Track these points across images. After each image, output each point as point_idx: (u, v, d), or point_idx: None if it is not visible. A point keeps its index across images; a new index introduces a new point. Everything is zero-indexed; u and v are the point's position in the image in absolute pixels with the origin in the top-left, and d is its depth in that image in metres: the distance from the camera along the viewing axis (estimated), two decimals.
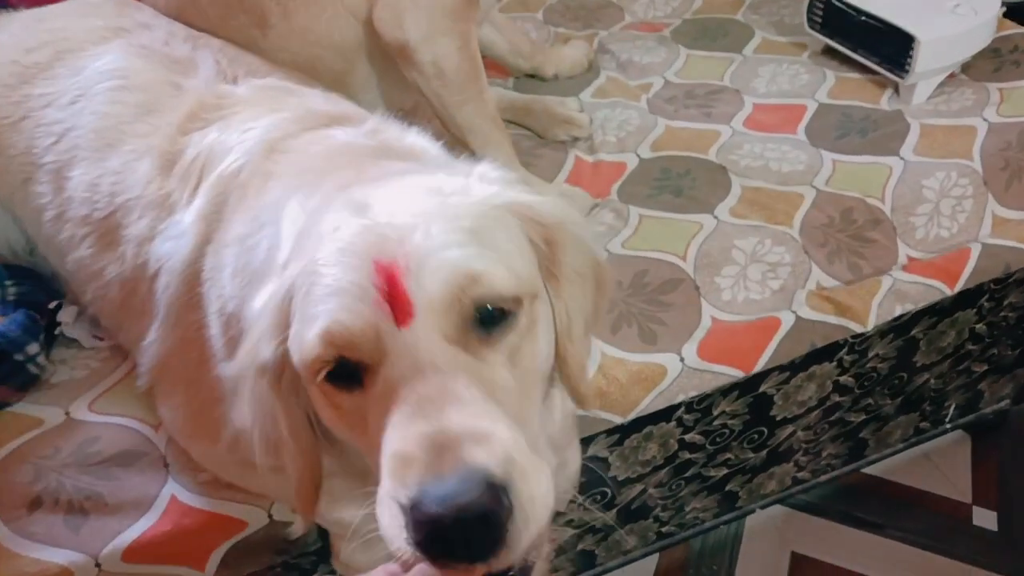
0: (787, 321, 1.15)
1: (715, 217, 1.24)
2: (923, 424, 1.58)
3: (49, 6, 1.18)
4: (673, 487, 1.33)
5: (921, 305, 1.23)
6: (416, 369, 0.57)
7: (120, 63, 1.00)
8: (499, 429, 0.55)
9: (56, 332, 1.07)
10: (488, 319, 0.61)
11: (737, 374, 1.13)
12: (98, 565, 0.90)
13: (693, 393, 1.12)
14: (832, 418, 1.40)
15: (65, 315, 1.06)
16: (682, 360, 1.10)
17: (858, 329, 1.18)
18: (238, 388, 0.68)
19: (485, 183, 0.70)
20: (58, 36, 1.05)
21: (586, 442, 1.12)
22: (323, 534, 0.99)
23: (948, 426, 1.63)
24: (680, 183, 1.30)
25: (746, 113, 1.45)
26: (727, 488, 1.42)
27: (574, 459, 0.96)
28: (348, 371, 0.61)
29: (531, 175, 1.28)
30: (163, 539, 0.91)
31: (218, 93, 0.96)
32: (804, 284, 1.18)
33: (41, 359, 1.00)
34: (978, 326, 1.41)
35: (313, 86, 1.04)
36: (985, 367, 1.52)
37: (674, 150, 1.37)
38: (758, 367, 1.14)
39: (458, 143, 1.25)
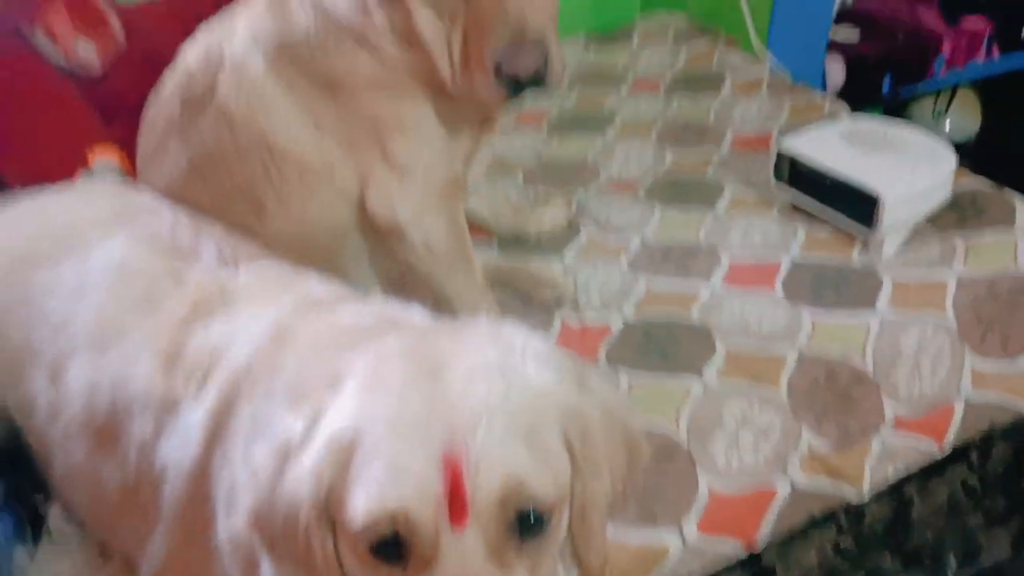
0: (783, 491, 1.15)
1: (702, 381, 1.25)
2: None
3: (50, 194, 1.20)
4: None
5: (913, 468, 1.24)
6: None
7: (123, 253, 1.01)
8: None
9: (44, 528, 1.03)
10: (525, 526, 0.62)
11: (739, 547, 1.12)
12: None
13: (696, 571, 1.10)
14: None
15: (53, 514, 1.03)
16: (683, 537, 1.09)
17: (853, 496, 1.19)
18: (273, 516, 0.65)
19: (539, 364, 0.69)
20: (63, 224, 1.07)
21: None
22: None
23: None
24: (665, 345, 1.33)
25: (723, 271, 1.49)
26: None
27: None
28: (392, 545, 0.61)
29: None
30: None
31: (220, 282, 0.97)
32: (796, 447, 1.19)
33: (29, 557, 0.96)
34: (970, 480, 1.42)
35: (309, 270, 1.05)
36: (981, 519, 1.52)
37: (657, 311, 1.40)
38: (759, 539, 1.13)
39: (444, 311, 1.27)
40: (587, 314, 1.41)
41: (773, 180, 1.62)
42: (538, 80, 1.06)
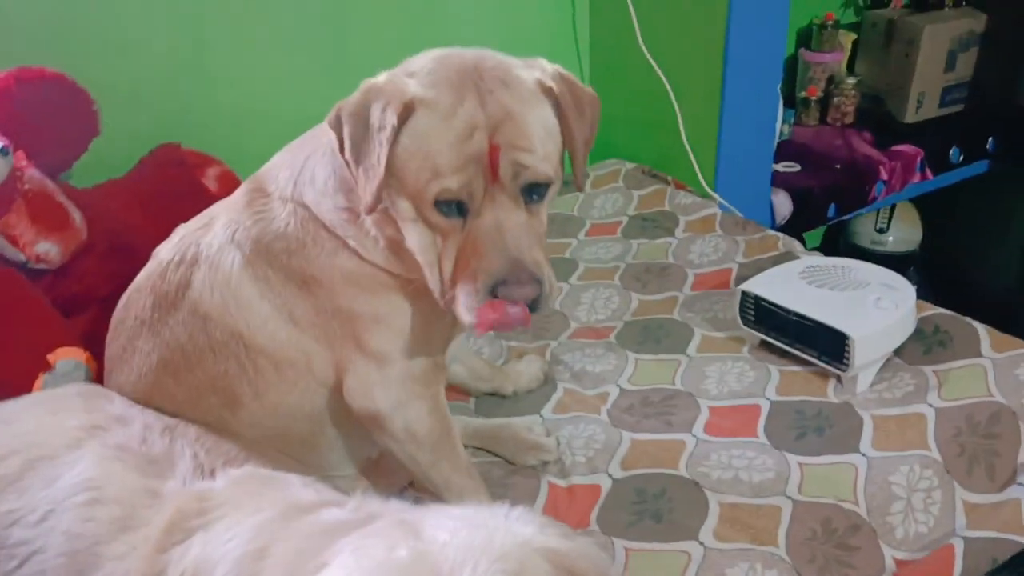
0: None
1: (701, 543, 1.22)
2: None
3: (12, 404, 1.15)
4: None
5: None
6: None
7: (93, 471, 0.96)
8: None
9: None
10: None
11: None
12: None
13: None
14: None
15: None
16: None
17: None
18: None
19: (523, 523, 0.72)
20: (29, 442, 1.01)
21: None
22: None
23: None
24: (658, 505, 1.30)
25: (704, 418, 1.49)
26: None
27: None
28: None
29: None
30: None
31: (198, 495, 0.92)
32: None
33: None
34: None
35: (290, 470, 1.01)
36: None
37: (644, 467, 1.38)
38: None
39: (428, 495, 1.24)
40: (574, 475, 1.38)
41: (739, 321, 1.65)
42: (533, 307, 1.07)
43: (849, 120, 2.80)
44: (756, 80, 2.16)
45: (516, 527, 0.71)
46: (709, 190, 2.25)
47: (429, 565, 0.64)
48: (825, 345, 1.52)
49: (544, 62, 1.14)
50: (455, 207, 1.05)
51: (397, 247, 1.12)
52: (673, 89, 2.24)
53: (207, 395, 1.14)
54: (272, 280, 1.13)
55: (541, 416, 1.52)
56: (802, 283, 1.64)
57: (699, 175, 2.25)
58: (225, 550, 0.83)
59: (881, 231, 2.99)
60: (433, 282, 1.08)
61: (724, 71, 2.12)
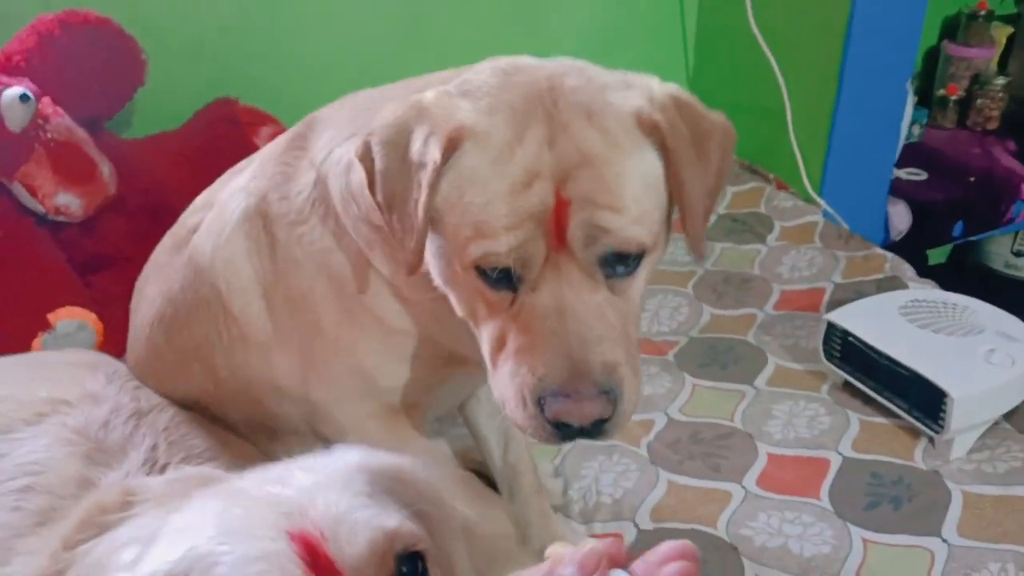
0: None
1: None
2: None
3: (5, 360, 1.09)
4: None
5: None
6: None
7: (39, 455, 0.88)
8: None
9: None
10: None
11: None
12: None
13: None
14: None
15: None
16: None
17: None
18: None
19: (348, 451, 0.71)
20: None
21: None
22: None
23: None
24: None
25: (760, 467, 1.29)
26: None
27: None
28: None
29: None
30: None
31: (126, 490, 0.82)
32: None
33: None
34: None
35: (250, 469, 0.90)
36: None
37: (678, 520, 1.20)
38: None
39: None
40: (595, 521, 1.21)
41: (823, 357, 1.42)
42: (596, 430, 0.80)
43: (992, 126, 2.46)
44: (882, 69, 1.89)
45: (346, 455, 0.70)
46: (813, 193, 2.00)
47: (272, 510, 0.62)
48: (918, 399, 1.29)
49: (653, 82, 0.86)
50: (505, 276, 0.80)
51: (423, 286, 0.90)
52: (783, 72, 1.99)
53: (191, 362, 1.03)
54: (262, 243, 0.98)
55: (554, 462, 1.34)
56: (902, 320, 1.40)
57: (803, 175, 2.00)
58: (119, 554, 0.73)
59: (1019, 255, 2.62)
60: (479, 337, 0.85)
61: (844, 56, 1.86)
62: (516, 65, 0.85)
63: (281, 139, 1.05)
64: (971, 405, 1.23)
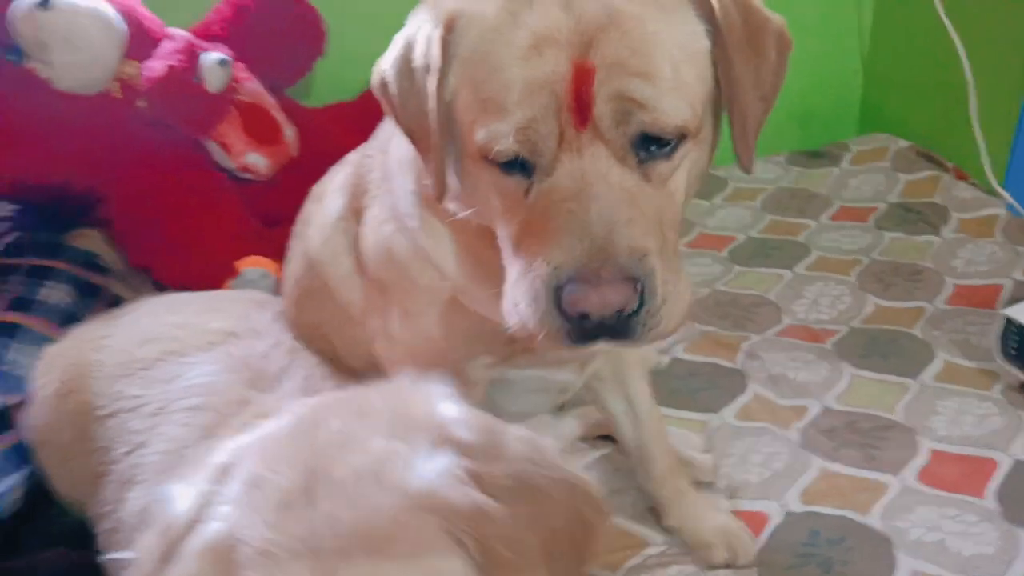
0: None
1: None
2: None
3: (182, 296, 1.20)
4: None
5: None
6: None
7: (208, 379, 0.97)
8: None
9: None
10: None
11: None
12: None
13: None
14: None
15: None
16: None
17: None
18: None
19: (428, 457, 0.61)
20: (171, 334, 1.05)
21: None
22: None
23: None
24: (831, 554, 1.08)
25: (921, 463, 1.22)
26: None
27: None
28: None
29: None
30: None
31: (274, 404, 0.89)
32: None
33: None
34: None
35: None
36: None
37: (829, 505, 1.16)
38: None
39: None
40: (740, 498, 1.19)
41: (998, 354, 1.33)
42: (622, 327, 0.69)
43: None
44: None
45: (413, 483, 0.59)
46: (996, 185, 1.86)
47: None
48: None
49: None
50: (517, 164, 0.71)
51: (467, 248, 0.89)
52: (968, 53, 1.86)
53: (317, 338, 1.09)
54: (354, 236, 1.01)
55: (720, 415, 1.34)
56: None
57: (986, 164, 1.87)
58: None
59: None
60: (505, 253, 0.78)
61: None
62: None
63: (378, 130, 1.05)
64: None
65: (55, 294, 1.32)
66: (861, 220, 1.89)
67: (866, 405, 1.35)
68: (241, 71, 1.47)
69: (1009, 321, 1.32)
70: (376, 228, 0.97)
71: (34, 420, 1.08)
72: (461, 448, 0.61)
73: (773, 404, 1.36)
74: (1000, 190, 1.85)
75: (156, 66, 1.36)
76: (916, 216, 1.85)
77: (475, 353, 0.96)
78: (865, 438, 1.28)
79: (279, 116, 1.52)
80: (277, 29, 1.56)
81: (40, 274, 1.34)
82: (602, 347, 0.74)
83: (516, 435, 0.66)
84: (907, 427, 1.29)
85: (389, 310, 0.99)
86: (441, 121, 0.75)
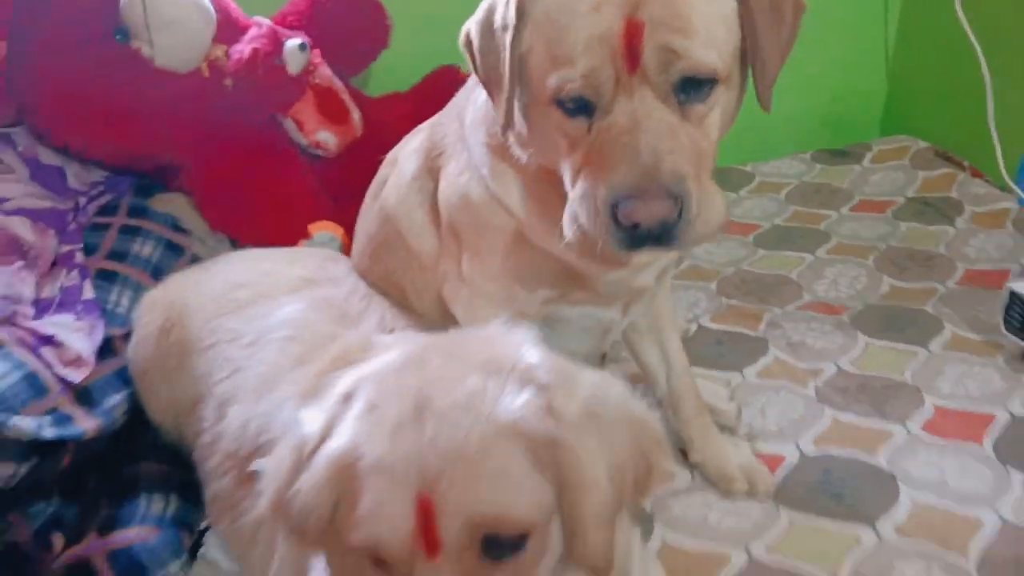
0: None
1: (876, 532, 1.12)
2: None
3: (267, 251, 1.36)
4: None
5: None
6: None
7: (298, 315, 1.12)
8: None
9: (199, 553, 1.13)
10: (500, 548, 0.66)
11: None
12: None
13: None
14: None
15: (211, 539, 1.13)
16: None
17: None
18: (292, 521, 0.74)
19: (515, 391, 0.71)
20: (260, 279, 1.20)
21: None
22: None
23: None
24: (841, 489, 1.21)
25: (925, 416, 1.34)
26: None
27: None
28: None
29: None
30: None
31: (366, 341, 1.03)
32: None
33: None
34: None
35: None
36: None
37: (840, 447, 1.29)
38: None
39: None
40: (760, 441, 1.32)
41: (1002, 326, 1.45)
42: (665, 235, 0.86)
43: None
44: None
45: (503, 412, 0.69)
46: (1010, 181, 1.97)
47: (418, 467, 0.66)
48: None
49: None
50: (582, 104, 0.87)
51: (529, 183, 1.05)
52: (987, 60, 1.98)
53: (389, 285, 1.24)
54: (428, 192, 1.18)
55: (742, 374, 1.47)
56: None
57: (1000, 162, 1.99)
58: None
59: None
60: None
61: None
62: None
63: (450, 103, 1.22)
64: None
65: (145, 249, 1.48)
66: (880, 212, 2.01)
67: (877, 369, 1.47)
68: (316, 57, 1.63)
69: (1013, 294, 1.43)
70: (454, 179, 1.12)
71: (138, 353, 1.23)
72: (540, 387, 0.72)
73: (792, 366, 1.49)
74: (1013, 185, 1.97)
75: (244, 49, 1.53)
76: (932, 209, 1.97)
77: (536, 287, 1.10)
78: (875, 395, 1.40)
79: (347, 99, 1.68)
80: (347, 22, 1.73)
81: (131, 232, 1.51)
82: (648, 255, 0.93)
83: (588, 376, 0.77)
84: (914, 387, 1.41)
85: (461, 253, 1.14)
86: (512, 70, 0.91)
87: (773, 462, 1.28)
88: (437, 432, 0.68)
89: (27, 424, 0.95)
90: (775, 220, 2.03)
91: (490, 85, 0.97)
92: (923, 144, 2.22)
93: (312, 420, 0.74)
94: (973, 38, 2.00)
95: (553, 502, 0.69)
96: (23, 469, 0.95)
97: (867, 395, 1.40)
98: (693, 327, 1.63)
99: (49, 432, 0.97)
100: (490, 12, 0.95)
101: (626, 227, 0.85)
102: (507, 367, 0.73)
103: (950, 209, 1.96)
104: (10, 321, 1.08)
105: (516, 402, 0.70)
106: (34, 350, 1.05)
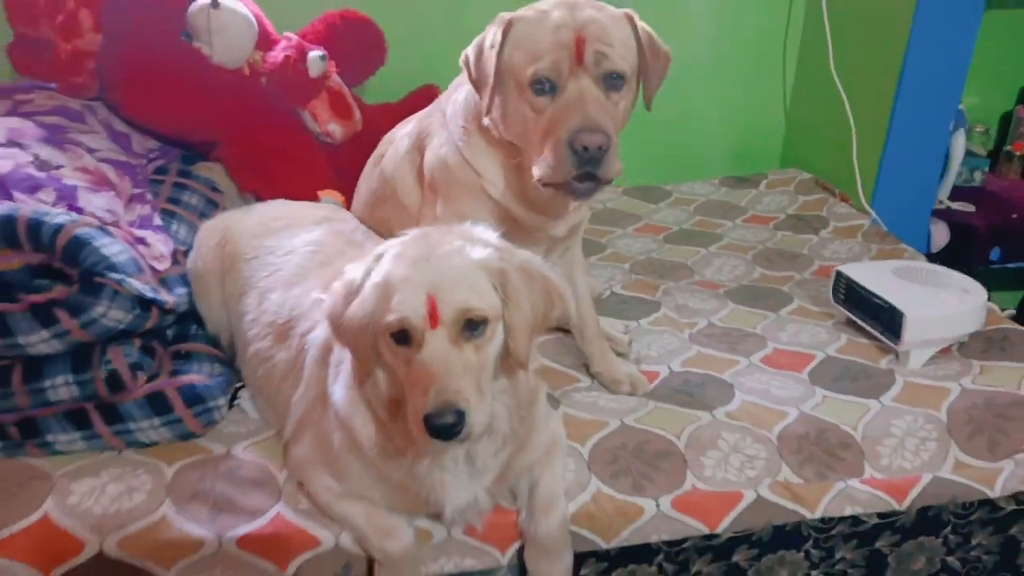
0: (749, 497, 1.47)
1: (712, 415, 1.61)
2: None
3: (291, 202, 1.82)
4: None
5: (870, 511, 1.51)
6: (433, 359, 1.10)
7: (319, 237, 1.59)
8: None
9: (235, 402, 1.58)
10: (471, 329, 1.14)
11: (702, 528, 1.45)
12: (220, 544, 1.32)
13: (665, 536, 1.44)
14: None
15: (244, 393, 1.58)
16: (658, 506, 1.44)
17: (807, 515, 1.48)
18: (345, 328, 1.19)
19: (481, 247, 1.19)
20: (292, 215, 1.69)
21: (578, 562, 1.44)
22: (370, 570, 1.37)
23: None
24: (695, 389, 1.69)
25: (765, 352, 1.84)
26: None
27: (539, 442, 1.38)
28: (402, 335, 1.14)
29: None
30: (266, 539, 1.33)
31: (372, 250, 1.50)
32: (774, 477, 1.51)
33: (223, 412, 1.50)
34: (950, 559, 1.63)
35: None
36: None
37: (698, 368, 1.78)
38: (720, 527, 1.45)
39: None
40: (643, 363, 1.80)
41: (831, 296, 1.96)
42: (598, 160, 1.36)
43: None
44: (927, 113, 2.41)
45: (476, 254, 1.17)
46: (866, 205, 2.52)
47: (428, 281, 1.13)
48: (888, 322, 1.80)
49: (630, 10, 1.48)
50: (547, 85, 1.38)
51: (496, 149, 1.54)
52: (852, 110, 2.54)
53: (383, 229, 1.72)
54: (417, 164, 1.67)
55: (638, 323, 1.96)
56: (892, 276, 1.91)
57: (860, 191, 2.53)
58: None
59: None
60: (528, 151, 1.46)
61: (895, 98, 2.39)
62: None
63: (433, 103, 1.73)
64: (920, 324, 1.74)
65: (193, 199, 1.94)
66: (764, 224, 2.54)
67: (738, 324, 1.97)
68: (331, 66, 2.12)
69: (839, 274, 1.95)
70: (436, 150, 1.62)
71: (197, 262, 1.68)
72: (496, 248, 1.21)
73: (675, 319, 1.99)
74: (868, 208, 2.51)
75: (278, 55, 2.01)
76: (804, 223, 2.51)
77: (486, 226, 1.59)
78: (732, 340, 1.89)
79: (352, 101, 2.17)
80: (354, 43, 2.22)
81: (181, 187, 1.96)
82: (588, 189, 1.42)
83: (524, 251, 1.27)
84: (762, 336, 1.91)
85: (437, 202, 1.62)
86: (495, 73, 1.43)
87: (651, 376, 1.76)
88: (438, 264, 1.15)
89: (137, 285, 1.39)
90: (683, 225, 2.55)
91: (479, 84, 1.47)
92: (807, 175, 2.77)
93: (355, 270, 1.21)
94: (842, 92, 2.56)
95: (500, 310, 1.16)
96: (129, 317, 1.39)
97: (726, 340, 1.90)
98: (607, 292, 2.12)
99: (150, 293, 1.41)
100: (481, 40, 1.48)
101: (578, 151, 1.36)
102: (476, 238, 1.22)
103: (818, 223, 2.49)
104: (115, 225, 1.53)
105: (483, 252, 1.19)
106: (132, 245, 1.50)
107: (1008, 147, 2.95)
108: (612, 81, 1.42)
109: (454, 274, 1.14)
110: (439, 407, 1.07)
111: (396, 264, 1.16)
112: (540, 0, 1.47)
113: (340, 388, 1.26)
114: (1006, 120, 3.03)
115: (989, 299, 1.86)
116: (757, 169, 2.93)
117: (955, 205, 2.72)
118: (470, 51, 1.49)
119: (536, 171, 1.42)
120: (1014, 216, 2.67)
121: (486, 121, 1.52)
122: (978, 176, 2.88)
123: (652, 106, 1.53)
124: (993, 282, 2.71)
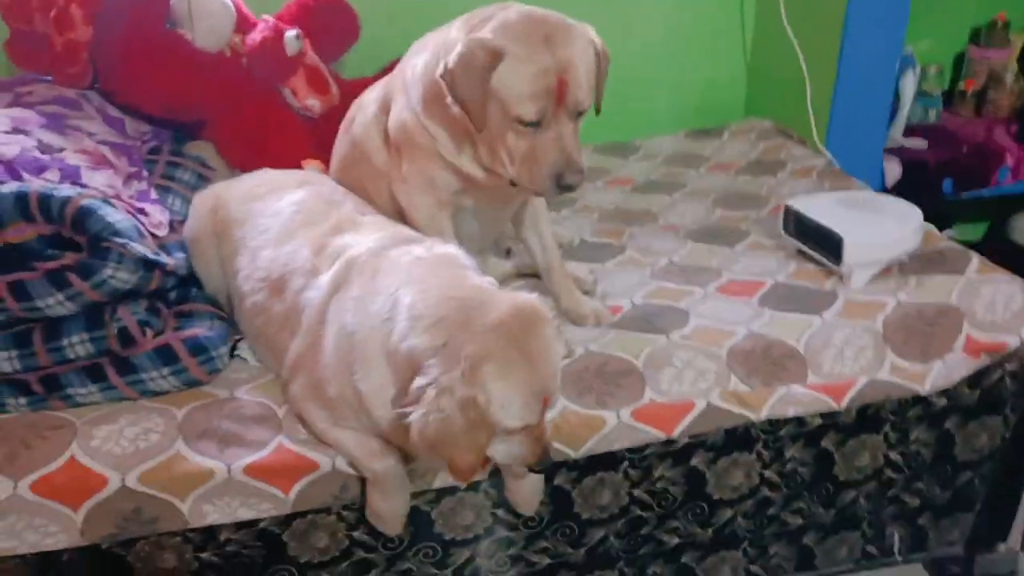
0: (700, 405, 1.64)
1: (667, 337, 1.77)
2: (870, 548, 1.91)
3: (277, 171, 1.98)
4: (631, 541, 1.75)
5: (812, 411, 1.68)
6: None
7: (302, 199, 1.74)
8: None
9: (235, 353, 1.75)
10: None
11: (660, 435, 1.62)
12: (229, 473, 1.50)
13: (627, 444, 1.61)
14: (768, 513, 1.79)
15: (243, 344, 1.75)
16: (619, 418, 1.61)
17: (753, 417, 1.65)
18: None
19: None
20: (276, 181, 1.84)
21: (551, 472, 1.62)
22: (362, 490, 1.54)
23: (899, 559, 1.94)
24: (652, 318, 1.85)
25: (720, 282, 2.00)
26: (682, 560, 1.81)
27: None
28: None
29: None
30: (270, 466, 1.50)
31: (353, 218, 1.66)
32: (723, 387, 1.67)
33: (224, 360, 1.67)
34: (892, 454, 1.80)
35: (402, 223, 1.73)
36: (917, 501, 1.87)
37: (659, 299, 1.94)
38: (676, 433, 1.62)
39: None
40: (608, 299, 1.96)
41: (781, 228, 2.11)
42: (575, 187, 1.60)
43: (1003, 115, 3.02)
44: (872, 56, 2.54)
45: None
46: (821, 146, 2.66)
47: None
48: (831, 247, 1.96)
49: (588, 27, 1.62)
50: (531, 123, 1.55)
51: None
52: (805, 61, 2.68)
53: (357, 188, 1.87)
54: (383, 126, 1.82)
55: (603, 265, 2.12)
56: (837, 206, 2.07)
57: (814, 134, 2.68)
58: (361, 242, 1.55)
59: None
60: (496, 147, 1.61)
61: (842, 45, 2.53)
62: (509, 10, 1.58)
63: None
64: (859, 247, 1.89)
65: (186, 176, 2.10)
66: (727, 171, 2.69)
67: (696, 260, 2.12)
68: (306, 45, 2.27)
69: (787, 208, 2.10)
70: (397, 113, 1.77)
71: (193, 228, 1.85)
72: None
73: (638, 259, 2.14)
74: (823, 149, 2.66)
75: (256, 37, 2.17)
76: (762, 167, 2.65)
77: (447, 183, 1.77)
78: (690, 274, 2.04)
79: (329, 77, 2.32)
80: (327, 22, 2.37)
81: (174, 165, 2.13)
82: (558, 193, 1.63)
83: None
84: (717, 269, 2.06)
85: (402, 161, 1.78)
86: (481, 96, 1.55)
87: (615, 309, 1.92)
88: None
89: (140, 248, 1.55)
90: (650, 176, 2.70)
91: (464, 102, 1.56)
92: (768, 123, 2.91)
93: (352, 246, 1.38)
94: (795, 41, 2.70)
95: None
96: (134, 278, 1.55)
97: (684, 274, 2.05)
98: (577, 240, 2.27)
99: (152, 255, 1.57)
100: (471, 55, 1.53)
101: (560, 185, 1.58)
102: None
103: (776, 166, 2.64)
104: (117, 198, 1.69)
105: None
106: (133, 215, 1.66)
107: (961, 86, 3.08)
108: (579, 115, 1.61)
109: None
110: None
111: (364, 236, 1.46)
112: (507, 20, 1.56)
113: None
114: (959, 60, 3.17)
115: (950, 229, 2.01)
116: (722, 120, 3.07)
117: (908, 142, 2.86)
118: (453, 67, 1.55)
119: (511, 172, 1.61)
120: (964, 150, 2.82)
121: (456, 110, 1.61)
122: (932, 114, 3.02)
123: (600, 109, 1.68)
124: (959, 216, 2.86)
